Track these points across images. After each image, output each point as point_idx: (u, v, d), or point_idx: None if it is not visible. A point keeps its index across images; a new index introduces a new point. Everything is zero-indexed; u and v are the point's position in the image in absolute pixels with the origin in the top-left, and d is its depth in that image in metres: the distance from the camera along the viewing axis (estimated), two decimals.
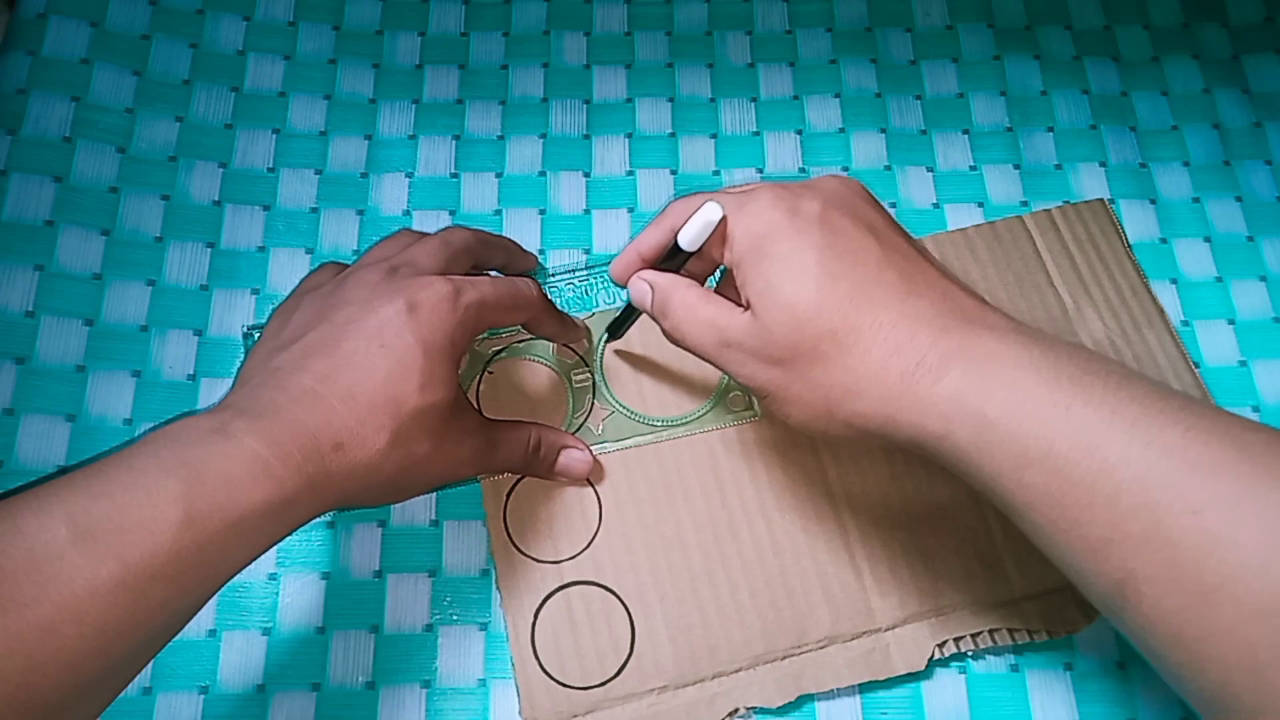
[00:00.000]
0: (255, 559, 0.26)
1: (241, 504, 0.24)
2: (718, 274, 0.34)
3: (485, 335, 0.38)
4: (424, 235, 0.33)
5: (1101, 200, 0.41)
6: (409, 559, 0.35)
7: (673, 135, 0.43)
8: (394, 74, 0.44)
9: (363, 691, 0.34)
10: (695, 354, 0.29)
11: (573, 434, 0.36)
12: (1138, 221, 0.42)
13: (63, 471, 0.25)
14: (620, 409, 0.36)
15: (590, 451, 0.35)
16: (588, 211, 0.42)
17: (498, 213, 0.41)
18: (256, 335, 0.35)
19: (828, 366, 0.26)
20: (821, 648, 0.33)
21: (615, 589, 0.34)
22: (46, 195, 0.40)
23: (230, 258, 0.40)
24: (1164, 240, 0.41)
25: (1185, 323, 0.40)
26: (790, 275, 0.26)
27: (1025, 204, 0.42)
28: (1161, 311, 0.39)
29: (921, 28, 0.46)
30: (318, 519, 0.30)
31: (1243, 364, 0.39)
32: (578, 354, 0.38)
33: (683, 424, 0.36)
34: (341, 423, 0.27)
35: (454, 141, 0.43)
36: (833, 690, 0.33)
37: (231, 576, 0.26)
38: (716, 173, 0.42)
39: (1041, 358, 0.24)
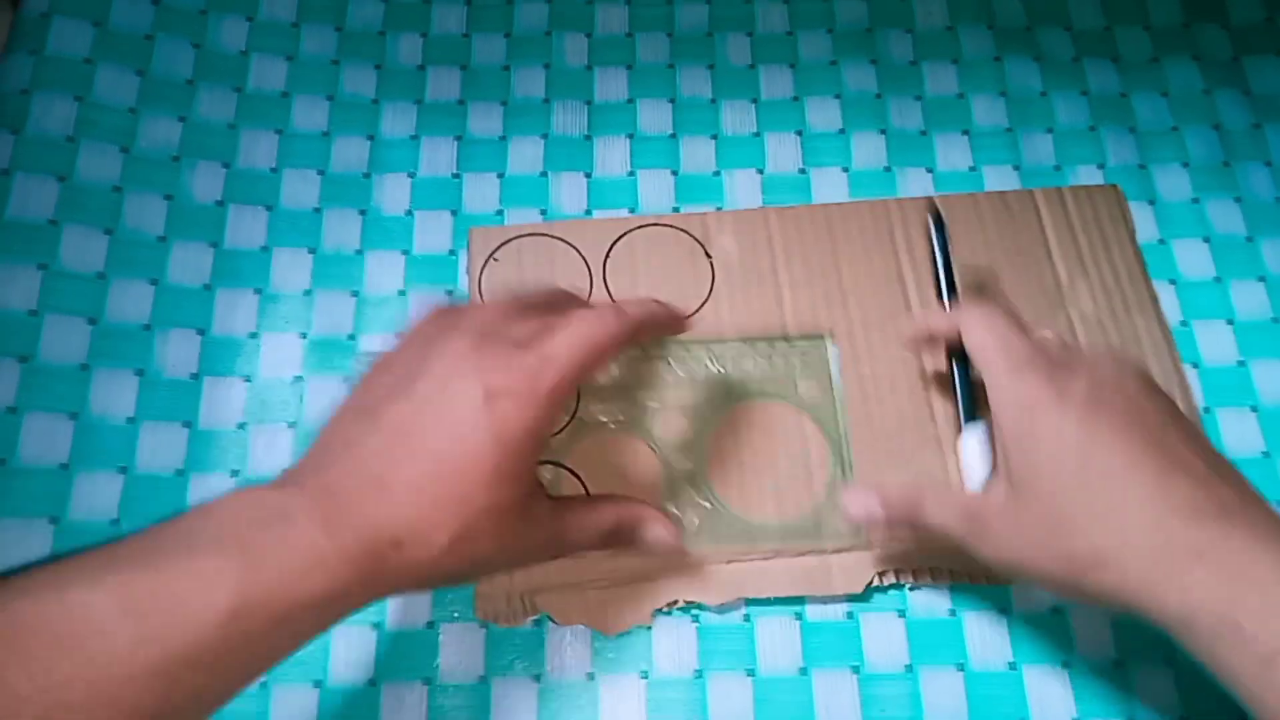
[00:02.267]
0: (298, 650, 0.25)
1: (293, 596, 0.23)
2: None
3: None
4: (565, 305, 0.31)
5: (1115, 186, 0.42)
6: None
7: (673, 136, 0.43)
8: (396, 75, 0.44)
9: (364, 688, 0.34)
10: (938, 531, 0.30)
11: (646, 503, 0.33)
12: (1137, 222, 0.42)
13: (114, 538, 0.24)
14: (718, 504, 0.36)
15: (671, 525, 0.32)
16: (589, 212, 0.42)
17: (499, 213, 0.42)
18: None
19: (1078, 543, 0.27)
20: (767, 559, 0.35)
21: (581, 475, 0.36)
22: (50, 194, 0.40)
23: (233, 257, 0.40)
24: (1163, 241, 0.41)
25: (1184, 323, 0.40)
26: (1049, 456, 0.28)
27: None
28: (1155, 299, 0.39)
29: (922, 29, 0.46)
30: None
31: (1241, 364, 0.39)
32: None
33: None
34: (404, 517, 0.26)
35: (456, 142, 0.43)
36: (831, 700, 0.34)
37: (272, 667, 0.24)
38: (717, 173, 0.43)
39: None
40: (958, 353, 0.34)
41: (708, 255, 0.40)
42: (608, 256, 0.40)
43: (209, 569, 0.23)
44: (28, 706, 0.20)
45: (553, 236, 0.40)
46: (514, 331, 0.28)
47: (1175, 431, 0.28)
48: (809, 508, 0.36)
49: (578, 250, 0.40)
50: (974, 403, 0.33)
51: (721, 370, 0.38)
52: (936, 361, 0.37)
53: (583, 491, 0.36)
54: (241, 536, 0.23)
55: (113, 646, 0.21)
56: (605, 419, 0.37)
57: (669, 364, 0.38)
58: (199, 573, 0.22)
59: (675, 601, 0.34)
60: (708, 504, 0.36)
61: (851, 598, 0.35)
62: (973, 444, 0.33)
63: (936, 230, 0.37)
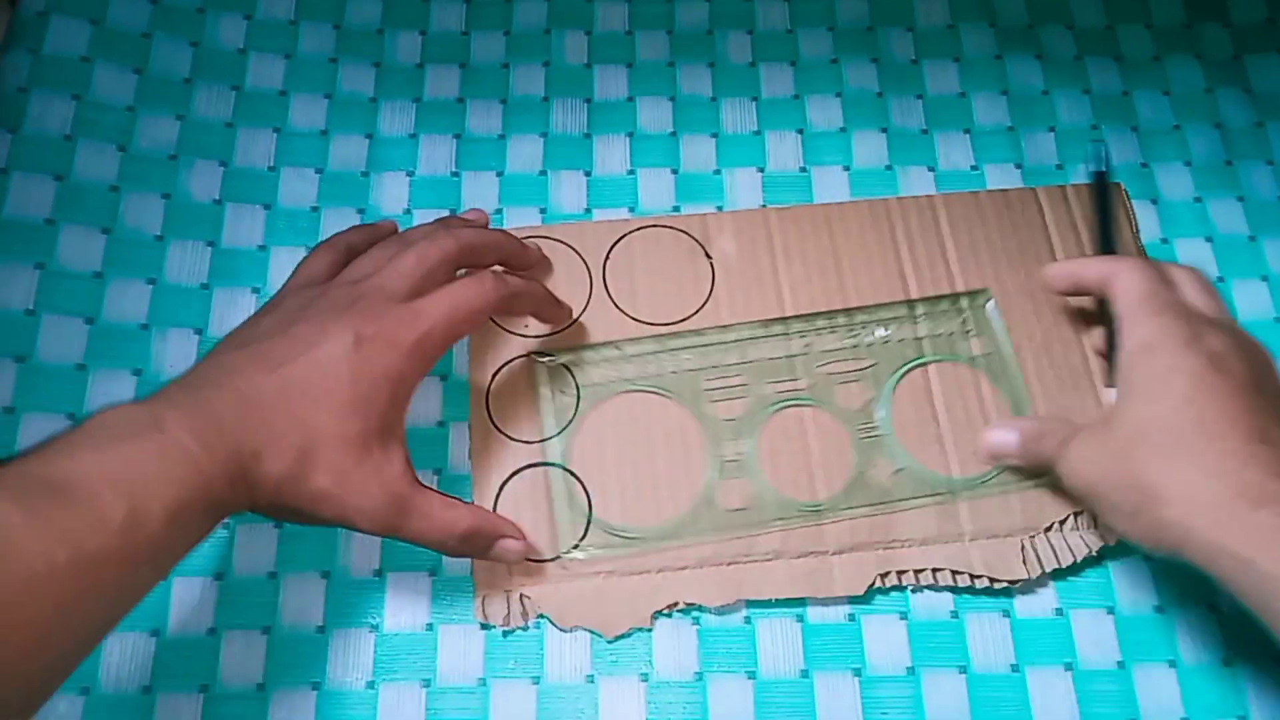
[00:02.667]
0: (192, 549, 0.27)
1: (178, 498, 0.25)
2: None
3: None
4: (407, 244, 0.33)
5: (1118, 184, 0.41)
6: (409, 558, 0.35)
7: (674, 134, 0.43)
8: (395, 73, 0.44)
9: (363, 691, 0.34)
10: (1042, 462, 0.33)
11: (512, 522, 0.34)
12: (1140, 221, 0.41)
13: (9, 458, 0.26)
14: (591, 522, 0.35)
15: (527, 543, 0.33)
16: (589, 210, 0.41)
17: (499, 211, 0.41)
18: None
19: (1150, 471, 0.28)
20: (767, 560, 0.35)
21: (580, 475, 0.36)
22: (47, 193, 0.40)
23: (231, 256, 0.40)
24: (1165, 240, 0.41)
25: None
26: (1155, 388, 0.29)
27: None
28: None
29: (923, 27, 0.46)
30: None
31: None
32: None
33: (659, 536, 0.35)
34: (262, 432, 0.28)
35: (455, 140, 0.43)
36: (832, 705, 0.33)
37: (176, 562, 0.27)
38: (717, 172, 0.42)
39: None
40: (1108, 311, 0.34)
41: (707, 256, 0.40)
42: (607, 258, 0.39)
43: (100, 477, 0.24)
44: None
45: (552, 239, 0.40)
46: (390, 285, 0.31)
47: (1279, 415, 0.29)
48: (844, 481, 0.36)
49: (577, 252, 0.40)
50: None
51: (888, 335, 0.38)
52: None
53: (584, 495, 0.35)
54: (121, 450, 0.25)
55: (24, 547, 0.22)
56: (786, 397, 0.37)
57: (837, 333, 0.38)
58: (91, 482, 0.24)
59: (675, 603, 0.34)
60: (900, 464, 0.36)
61: (852, 599, 0.35)
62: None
63: (1102, 191, 0.37)
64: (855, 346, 0.38)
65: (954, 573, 0.35)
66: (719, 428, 0.36)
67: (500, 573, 0.34)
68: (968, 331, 0.38)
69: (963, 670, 0.34)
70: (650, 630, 0.34)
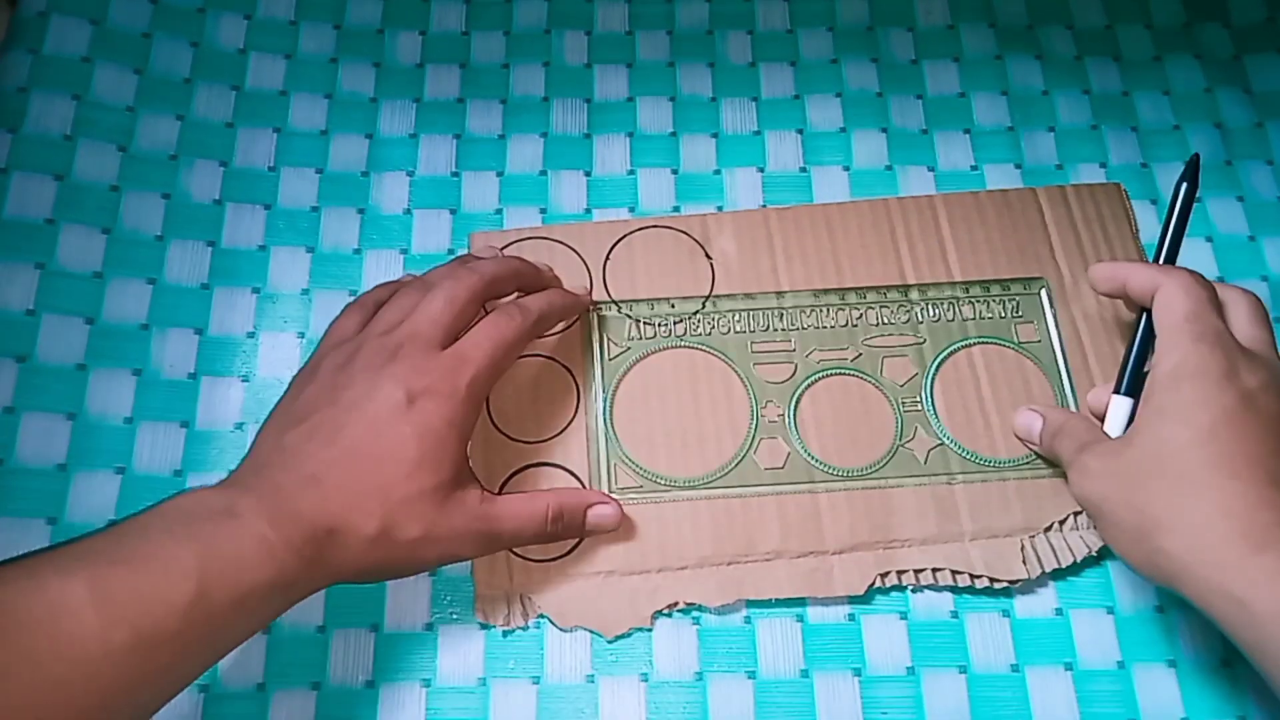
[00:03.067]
0: (256, 632, 0.28)
1: (248, 582, 0.26)
2: None
3: None
4: (430, 286, 0.33)
5: (1118, 185, 0.41)
6: None
7: (674, 134, 0.43)
8: (395, 73, 0.44)
9: (363, 690, 0.34)
10: (1056, 457, 0.33)
11: (597, 490, 0.36)
12: (1140, 221, 0.41)
13: (81, 537, 0.26)
14: (634, 468, 0.36)
15: (616, 502, 0.35)
16: (589, 210, 0.41)
17: (498, 211, 0.41)
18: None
19: (1157, 499, 0.28)
20: (767, 560, 0.35)
21: (580, 475, 0.36)
22: (47, 193, 0.40)
23: (231, 256, 0.40)
24: None
25: None
26: (1180, 416, 0.28)
27: None
28: None
29: (923, 27, 0.46)
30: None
31: None
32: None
33: (705, 483, 0.36)
34: (334, 510, 0.28)
35: (455, 140, 0.43)
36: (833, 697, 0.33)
37: (234, 647, 0.27)
38: (717, 172, 0.42)
39: None
40: (1146, 315, 0.33)
41: (708, 256, 0.40)
42: (607, 259, 0.39)
43: (169, 558, 0.25)
44: (12, 680, 0.22)
45: (552, 239, 0.40)
46: (425, 333, 0.31)
47: None
48: (882, 451, 0.36)
49: (577, 253, 0.40)
50: (1137, 377, 0.33)
51: (939, 315, 0.38)
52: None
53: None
54: (194, 530, 0.26)
55: (86, 628, 0.23)
56: (833, 365, 0.38)
57: (889, 308, 0.38)
58: (162, 561, 0.25)
59: (675, 603, 0.34)
60: (937, 440, 0.36)
61: (852, 599, 0.35)
62: (1118, 413, 0.32)
63: (1190, 186, 0.35)
64: (906, 322, 0.38)
65: (954, 572, 0.35)
66: (764, 389, 0.37)
67: (500, 573, 0.34)
68: (1018, 317, 0.38)
69: (963, 670, 0.34)
70: (650, 630, 0.34)
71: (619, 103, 0.44)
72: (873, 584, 0.34)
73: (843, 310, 0.38)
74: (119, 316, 0.38)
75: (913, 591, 0.35)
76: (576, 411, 0.37)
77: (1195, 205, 0.42)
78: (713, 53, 0.45)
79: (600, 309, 0.38)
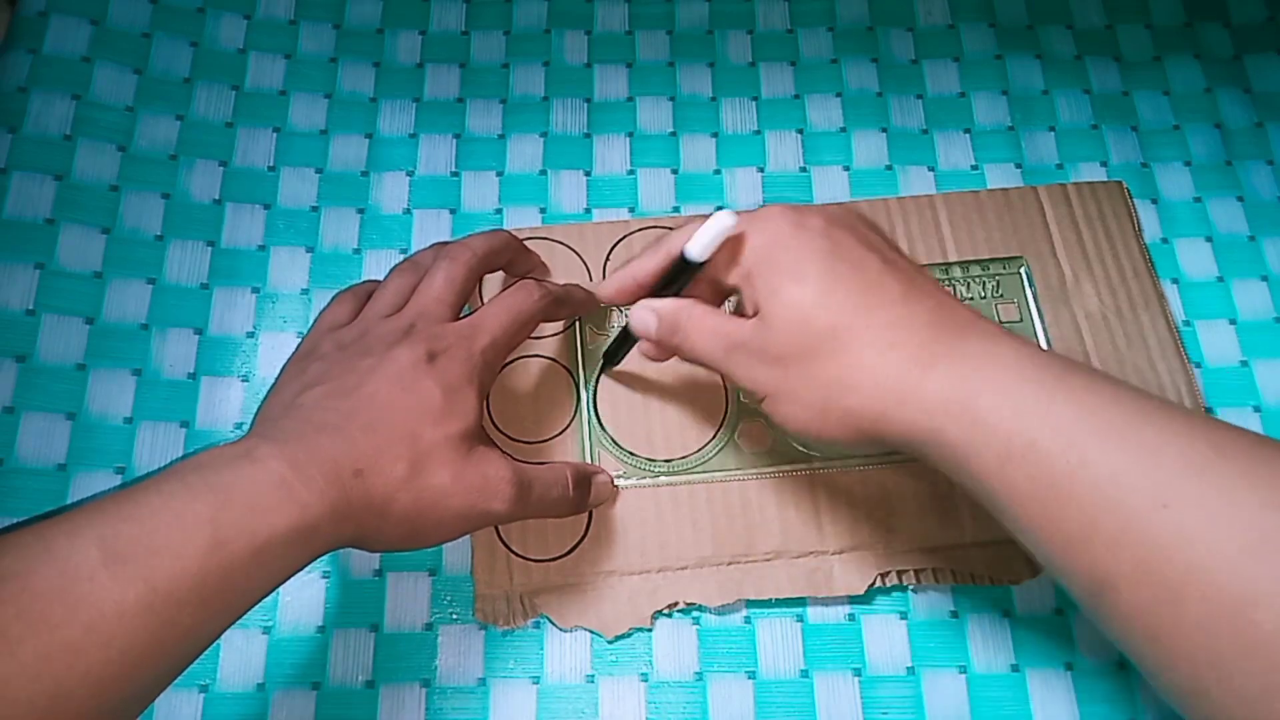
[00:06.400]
0: (276, 587, 0.26)
1: (266, 528, 0.25)
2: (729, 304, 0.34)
3: None
4: (428, 268, 0.33)
5: (1119, 182, 0.41)
6: (409, 558, 0.35)
7: (674, 134, 0.43)
8: (394, 72, 0.44)
9: (362, 690, 0.34)
10: (703, 363, 0.30)
11: (592, 464, 0.36)
12: (1141, 221, 0.42)
13: (92, 497, 0.26)
14: (619, 453, 0.36)
15: (609, 475, 0.35)
16: (589, 210, 0.41)
17: (498, 211, 0.41)
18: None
19: (825, 363, 0.27)
20: (768, 560, 0.35)
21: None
22: (47, 193, 0.39)
23: (231, 256, 0.40)
24: (1165, 240, 0.41)
25: (1187, 322, 0.40)
26: (794, 277, 0.27)
27: None
28: (1161, 295, 0.39)
29: (923, 27, 0.46)
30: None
31: (1244, 364, 0.39)
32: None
33: (687, 469, 0.36)
34: (361, 451, 0.27)
35: (454, 140, 0.43)
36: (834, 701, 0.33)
37: (253, 604, 0.26)
38: (717, 172, 0.42)
39: (1029, 359, 0.25)
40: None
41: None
42: (607, 259, 0.39)
43: (182, 509, 0.24)
44: (25, 647, 0.21)
45: (552, 240, 0.40)
46: (434, 311, 0.32)
47: (903, 258, 0.28)
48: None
49: (577, 253, 0.40)
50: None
51: None
52: None
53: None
54: (209, 479, 0.25)
55: (100, 590, 0.22)
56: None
57: None
58: (175, 512, 0.24)
59: (675, 603, 0.34)
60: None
61: (853, 599, 0.35)
62: (718, 224, 0.28)
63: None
64: None
65: (954, 572, 0.35)
66: None
67: (501, 572, 0.34)
68: (999, 296, 0.38)
69: (963, 670, 0.34)
70: (650, 630, 0.34)
71: (619, 103, 0.44)
72: (873, 584, 0.34)
73: None
74: (119, 316, 0.38)
75: (913, 591, 0.35)
76: (576, 412, 0.37)
77: (1196, 204, 0.42)
78: (713, 53, 0.45)
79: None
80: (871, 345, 0.26)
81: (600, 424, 0.37)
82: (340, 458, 0.27)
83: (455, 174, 0.42)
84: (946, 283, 0.38)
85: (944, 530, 0.35)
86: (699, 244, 0.28)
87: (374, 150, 0.43)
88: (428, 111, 0.43)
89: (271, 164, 0.42)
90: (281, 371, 0.32)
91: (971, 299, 0.38)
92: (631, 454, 0.36)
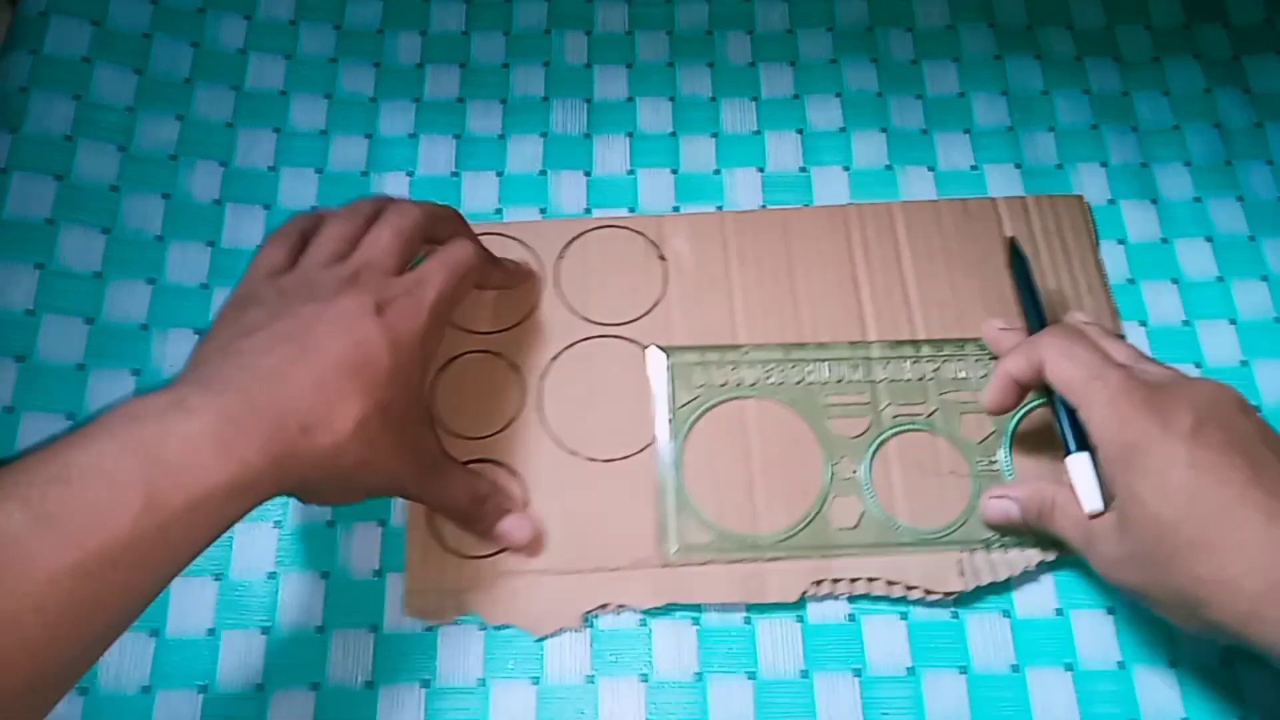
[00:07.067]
0: (215, 541, 0.25)
1: (203, 485, 0.24)
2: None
3: None
4: (376, 211, 0.33)
5: (1079, 196, 0.41)
6: None
7: (673, 134, 0.43)
8: (395, 73, 0.44)
9: (362, 691, 0.34)
10: (1065, 542, 0.32)
11: (525, 508, 0.35)
12: (1139, 221, 0.42)
13: (16, 456, 0.24)
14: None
15: (535, 523, 0.34)
16: (589, 210, 0.41)
17: (498, 211, 0.41)
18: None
19: (1185, 578, 0.27)
20: (703, 564, 0.34)
21: (521, 471, 0.36)
22: (47, 193, 0.40)
23: (231, 256, 0.40)
24: (1165, 240, 0.41)
25: (1187, 322, 0.40)
26: (1156, 490, 0.28)
27: None
28: (1115, 312, 0.39)
29: (922, 27, 0.46)
30: (314, 518, 0.30)
31: (1244, 364, 0.39)
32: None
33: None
34: (309, 406, 0.27)
35: (455, 140, 0.43)
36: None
37: (192, 559, 0.25)
38: (717, 172, 0.42)
39: None
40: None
41: (661, 257, 0.39)
42: (561, 256, 0.39)
43: (112, 468, 0.23)
44: None
45: (506, 235, 0.40)
46: (381, 262, 0.31)
47: (1277, 456, 0.28)
48: (959, 512, 0.35)
49: (531, 249, 0.39)
50: (1079, 430, 0.31)
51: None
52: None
53: (523, 492, 0.35)
54: (139, 433, 0.24)
55: (28, 553, 0.21)
56: (908, 420, 0.36)
57: (965, 361, 0.37)
58: (104, 472, 0.23)
59: (606, 604, 0.34)
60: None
61: (852, 599, 0.35)
62: (1081, 474, 0.31)
63: (1019, 262, 0.36)
64: (984, 377, 0.37)
65: (889, 583, 0.34)
66: (837, 444, 0.36)
67: (432, 567, 0.34)
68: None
69: (963, 670, 0.34)
70: (650, 630, 0.34)
71: (619, 103, 0.44)
72: (806, 592, 0.34)
73: (920, 363, 0.37)
74: (119, 316, 0.38)
75: (848, 600, 0.35)
76: (519, 409, 0.37)
77: (1196, 204, 0.42)
78: (713, 53, 0.45)
79: (671, 355, 0.37)
80: (1231, 566, 0.26)
81: (686, 492, 0.35)
82: (285, 411, 0.26)
83: (455, 174, 0.42)
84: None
85: (882, 535, 0.34)
86: (1094, 503, 0.30)
87: (374, 150, 0.43)
88: (428, 112, 0.44)
89: (272, 164, 0.42)
90: (216, 318, 0.30)
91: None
92: (716, 526, 0.35)
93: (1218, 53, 0.46)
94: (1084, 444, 0.31)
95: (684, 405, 0.37)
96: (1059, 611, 0.35)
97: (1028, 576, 0.35)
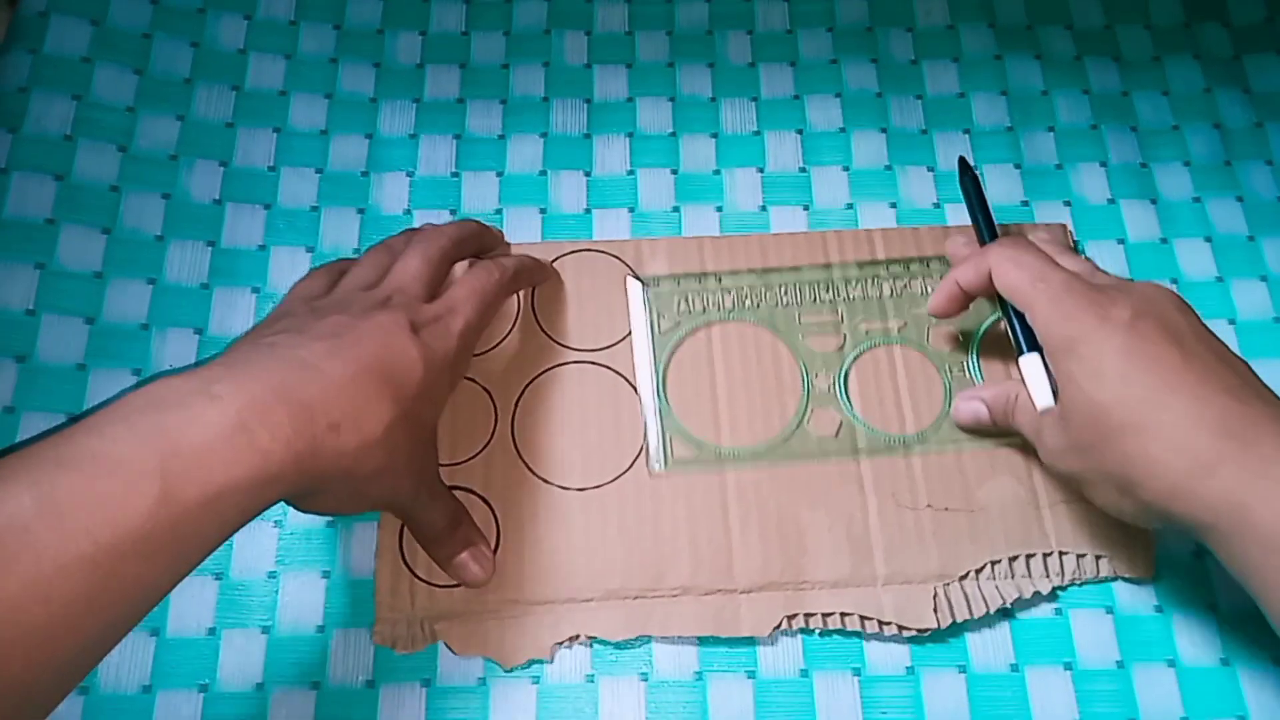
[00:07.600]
0: (227, 539, 0.24)
1: (221, 479, 0.23)
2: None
3: None
4: (407, 243, 0.33)
5: (1063, 225, 0.41)
6: None
7: (673, 135, 0.43)
8: (395, 73, 0.44)
9: (362, 690, 0.34)
10: (1022, 433, 0.34)
11: (489, 549, 0.34)
12: (1138, 221, 0.42)
13: (33, 440, 0.23)
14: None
15: (492, 564, 0.34)
16: (588, 211, 0.42)
17: (498, 211, 0.41)
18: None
19: (1117, 457, 0.29)
20: (674, 595, 0.34)
21: (490, 500, 0.35)
22: (47, 193, 0.40)
23: (231, 256, 0.40)
24: (1164, 240, 0.41)
25: None
26: (1091, 376, 0.29)
27: (1026, 204, 0.42)
28: None
29: (922, 27, 0.46)
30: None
31: None
32: None
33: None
34: (340, 403, 0.26)
35: (455, 140, 0.43)
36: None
37: (205, 557, 0.24)
38: (717, 172, 0.42)
39: None
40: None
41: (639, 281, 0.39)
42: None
43: (128, 456, 0.22)
44: None
45: None
46: (411, 289, 0.31)
47: (1210, 350, 0.29)
48: (933, 418, 0.37)
49: None
50: (1030, 333, 0.33)
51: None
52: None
53: (493, 520, 0.35)
54: (159, 420, 0.23)
55: (37, 542, 0.20)
56: (879, 334, 0.38)
57: (932, 278, 0.39)
58: (119, 460, 0.22)
59: (577, 636, 0.34)
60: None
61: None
62: (1032, 374, 0.32)
63: (968, 180, 0.38)
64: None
65: (863, 618, 0.34)
66: (813, 359, 0.37)
67: (402, 595, 0.34)
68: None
69: (962, 670, 0.34)
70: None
71: (619, 103, 0.44)
72: (779, 626, 0.34)
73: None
74: (119, 316, 0.38)
75: (820, 635, 0.34)
76: (492, 435, 0.36)
77: (1196, 204, 0.42)
78: (713, 53, 0.45)
79: (647, 282, 0.39)
80: (1158, 445, 0.28)
81: (670, 410, 0.36)
82: (315, 405, 0.25)
83: (455, 174, 0.42)
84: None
85: (856, 572, 0.34)
86: (1044, 399, 0.32)
87: (374, 150, 0.43)
88: (428, 112, 0.44)
89: (272, 164, 0.42)
90: (245, 333, 0.30)
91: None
92: (700, 440, 0.36)
93: (1218, 52, 0.46)
94: (1035, 345, 0.33)
95: (665, 332, 0.38)
96: (1058, 611, 0.35)
97: (989, 619, 0.34)
